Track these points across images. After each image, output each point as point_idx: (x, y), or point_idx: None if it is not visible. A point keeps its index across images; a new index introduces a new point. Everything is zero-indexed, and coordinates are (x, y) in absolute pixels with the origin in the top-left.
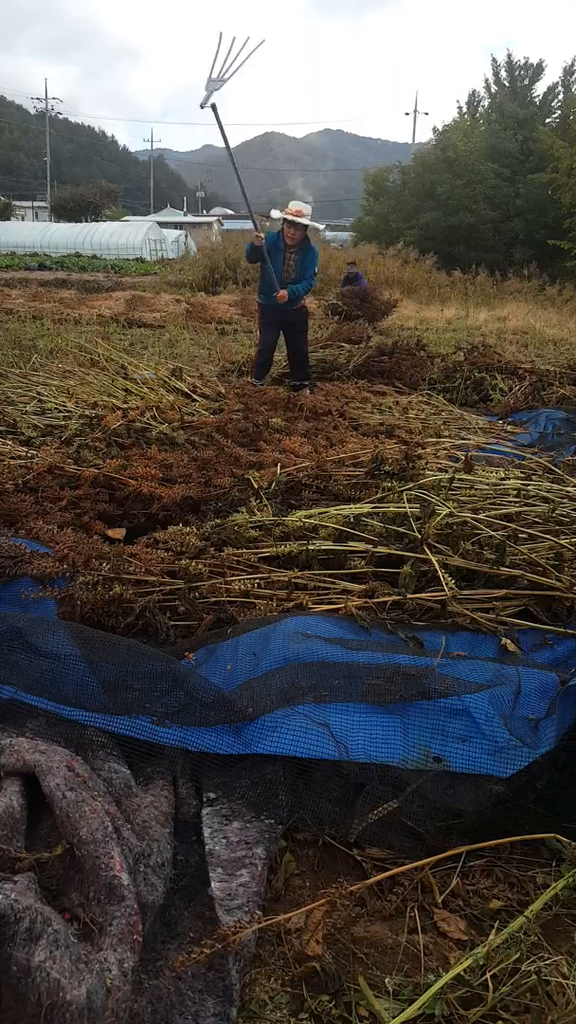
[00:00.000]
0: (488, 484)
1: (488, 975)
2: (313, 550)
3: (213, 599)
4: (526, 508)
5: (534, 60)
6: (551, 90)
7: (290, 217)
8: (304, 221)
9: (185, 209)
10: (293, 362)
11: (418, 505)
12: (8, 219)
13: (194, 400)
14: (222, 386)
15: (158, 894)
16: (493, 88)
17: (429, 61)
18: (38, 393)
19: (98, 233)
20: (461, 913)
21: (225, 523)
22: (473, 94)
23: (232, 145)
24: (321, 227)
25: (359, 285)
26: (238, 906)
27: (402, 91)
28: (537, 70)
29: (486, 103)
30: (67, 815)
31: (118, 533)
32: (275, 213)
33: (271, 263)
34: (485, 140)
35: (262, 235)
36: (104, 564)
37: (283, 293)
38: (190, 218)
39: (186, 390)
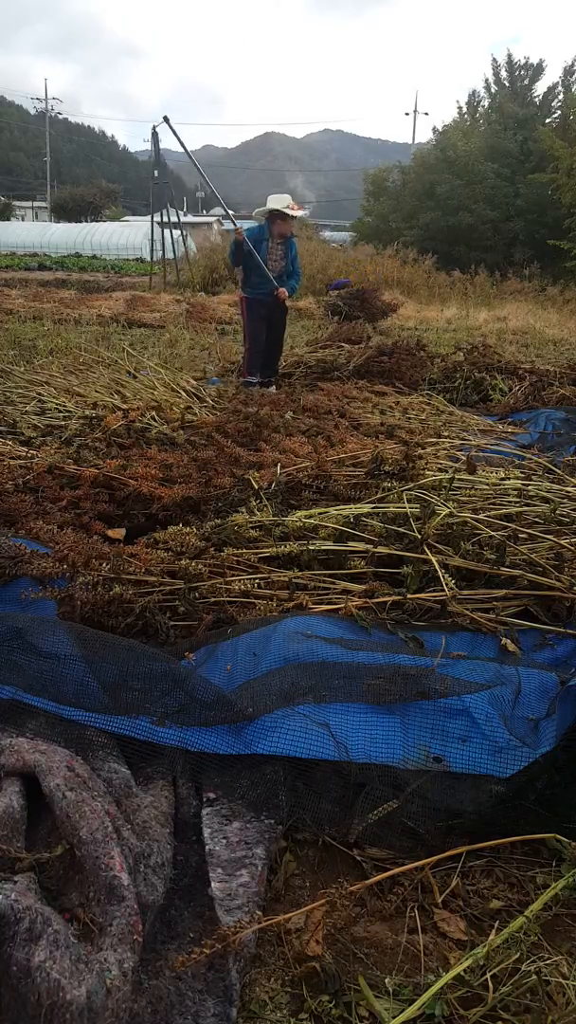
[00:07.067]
0: (488, 484)
1: (488, 975)
2: (313, 550)
3: (213, 599)
4: (526, 508)
5: (534, 60)
6: (551, 90)
7: (287, 211)
8: (298, 213)
9: (185, 209)
10: (271, 356)
11: (418, 505)
12: (8, 219)
13: (198, 400)
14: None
15: (158, 894)
16: (493, 88)
17: (429, 61)
18: (38, 393)
19: (98, 233)
20: (461, 913)
21: (225, 523)
22: (473, 94)
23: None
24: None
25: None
26: (238, 906)
27: (402, 91)
28: (537, 70)
29: (486, 103)
30: (67, 815)
31: (118, 533)
32: (273, 200)
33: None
34: (485, 140)
35: (242, 229)
36: (104, 564)
37: (284, 292)
38: (190, 218)
39: (189, 390)
